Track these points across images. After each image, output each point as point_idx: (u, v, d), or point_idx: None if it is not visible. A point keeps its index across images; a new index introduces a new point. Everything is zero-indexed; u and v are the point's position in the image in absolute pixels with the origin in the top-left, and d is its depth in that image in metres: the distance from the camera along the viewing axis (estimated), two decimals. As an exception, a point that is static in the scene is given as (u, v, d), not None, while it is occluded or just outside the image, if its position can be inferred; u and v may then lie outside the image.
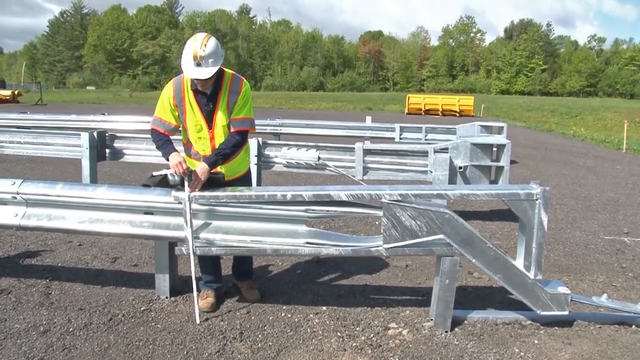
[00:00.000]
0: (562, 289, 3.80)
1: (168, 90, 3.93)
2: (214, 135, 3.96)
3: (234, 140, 3.92)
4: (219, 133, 3.95)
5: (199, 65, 3.66)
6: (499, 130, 10.80)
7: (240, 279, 4.45)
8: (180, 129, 4.07)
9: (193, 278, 3.95)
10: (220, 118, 3.93)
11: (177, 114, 3.94)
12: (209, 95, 3.88)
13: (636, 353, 3.56)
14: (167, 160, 3.83)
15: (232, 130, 3.95)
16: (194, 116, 3.92)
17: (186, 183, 3.81)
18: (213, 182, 3.90)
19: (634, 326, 3.95)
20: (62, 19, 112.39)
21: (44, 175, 10.23)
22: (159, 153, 4.00)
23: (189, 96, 3.89)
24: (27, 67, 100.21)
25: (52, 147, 8.15)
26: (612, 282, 5.02)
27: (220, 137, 3.95)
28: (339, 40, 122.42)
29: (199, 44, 3.69)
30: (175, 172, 3.78)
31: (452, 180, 6.58)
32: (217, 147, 3.93)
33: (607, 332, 3.87)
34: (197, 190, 3.81)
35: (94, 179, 7.64)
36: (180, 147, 4.09)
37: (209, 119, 3.93)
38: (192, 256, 3.89)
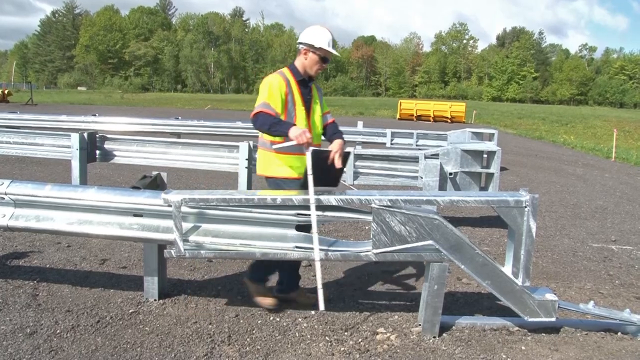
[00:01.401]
0: (550, 296, 3.83)
1: (277, 80, 3.95)
2: (310, 125, 4.05)
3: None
4: (315, 123, 4.10)
5: (333, 46, 4.03)
6: (490, 137, 10.88)
7: (294, 289, 4.41)
8: None
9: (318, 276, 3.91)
10: (316, 109, 4.15)
11: (284, 104, 3.94)
12: (308, 87, 4.10)
13: (621, 359, 3.59)
14: (288, 135, 3.72)
15: (330, 120, 4.27)
16: (298, 105, 4.00)
17: (310, 178, 3.71)
18: (345, 158, 3.93)
19: (620, 333, 3.98)
20: (53, 18, 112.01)
21: (33, 176, 10.17)
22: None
23: (295, 87, 4.00)
24: (18, 66, 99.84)
25: (41, 148, 8.12)
26: (599, 290, 5.06)
27: (316, 127, 4.10)
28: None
29: (329, 30, 4.03)
30: (300, 143, 3.67)
31: (442, 187, 6.61)
32: (315, 134, 4.05)
33: (594, 338, 3.90)
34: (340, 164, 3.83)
35: (84, 181, 7.61)
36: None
37: (308, 110, 4.06)
38: (317, 259, 3.83)
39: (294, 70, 4.07)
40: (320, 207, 3.80)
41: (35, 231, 4.51)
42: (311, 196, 3.70)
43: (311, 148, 3.73)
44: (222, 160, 7.62)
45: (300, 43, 4.04)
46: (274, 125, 3.80)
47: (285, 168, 4.00)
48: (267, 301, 4.18)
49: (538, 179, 12.27)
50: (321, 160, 3.77)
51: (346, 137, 13.19)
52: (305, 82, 4.07)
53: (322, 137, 4.22)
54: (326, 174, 3.82)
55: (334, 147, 3.88)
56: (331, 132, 4.18)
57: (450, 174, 6.74)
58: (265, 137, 4.04)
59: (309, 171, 3.71)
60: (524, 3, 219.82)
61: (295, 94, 4.00)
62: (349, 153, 4.10)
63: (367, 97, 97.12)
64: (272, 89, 3.90)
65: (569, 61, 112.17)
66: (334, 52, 4.02)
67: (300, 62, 4.06)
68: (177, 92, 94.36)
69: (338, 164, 3.81)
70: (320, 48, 3.95)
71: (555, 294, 3.94)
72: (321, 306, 3.78)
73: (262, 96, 3.92)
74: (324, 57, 4.00)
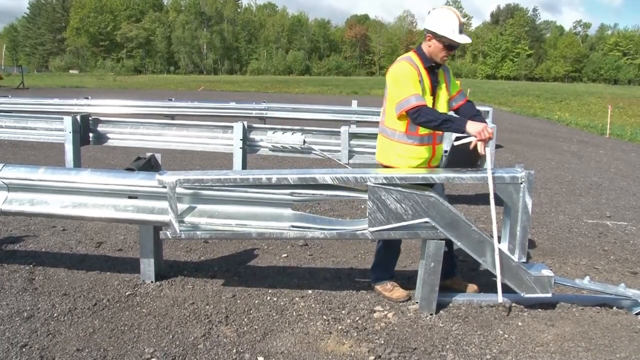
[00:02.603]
0: (546, 272, 3.84)
1: (409, 68, 3.77)
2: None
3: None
4: (440, 110, 3.90)
5: (461, 32, 3.72)
6: (485, 115, 10.84)
7: (449, 276, 4.28)
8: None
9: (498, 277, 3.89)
10: (442, 95, 3.93)
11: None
12: (435, 73, 3.88)
13: (616, 334, 3.62)
14: (464, 130, 3.63)
15: (464, 100, 4.04)
16: (427, 92, 3.82)
17: (488, 156, 3.65)
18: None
19: (615, 308, 4.01)
20: (43, 0, 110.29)
21: (27, 159, 10.11)
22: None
23: (424, 75, 3.81)
24: (8, 50, 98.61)
25: (34, 132, 8.06)
26: (595, 265, 5.09)
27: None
28: (325, 24, 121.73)
29: (458, 12, 3.74)
30: (482, 139, 3.59)
31: (437, 164, 6.58)
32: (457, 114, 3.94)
33: (589, 313, 3.92)
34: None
35: (78, 164, 7.57)
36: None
37: (434, 97, 3.89)
38: (497, 250, 3.77)
39: (422, 56, 3.84)
40: (316, 185, 3.78)
41: (29, 215, 4.49)
42: (491, 192, 3.67)
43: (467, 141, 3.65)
44: (216, 141, 7.59)
45: (425, 28, 3.81)
46: (445, 122, 3.64)
47: (407, 159, 3.87)
48: (397, 294, 4.05)
49: (533, 156, 12.28)
50: (465, 148, 3.71)
51: (341, 116, 13.09)
52: (432, 68, 3.85)
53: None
54: (468, 159, 3.79)
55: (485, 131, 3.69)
56: (470, 114, 3.92)
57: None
58: (387, 125, 3.91)
59: (488, 166, 3.68)
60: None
61: (425, 82, 3.80)
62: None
63: (361, 77, 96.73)
64: (413, 78, 3.72)
65: (563, 38, 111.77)
66: (460, 40, 3.71)
67: (426, 48, 3.83)
68: (170, 74, 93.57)
69: (481, 151, 3.66)
70: (443, 36, 3.70)
71: (551, 270, 3.95)
72: (499, 298, 3.77)
73: (408, 88, 3.71)
74: (449, 45, 3.73)
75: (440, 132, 3.90)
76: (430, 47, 3.79)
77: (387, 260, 4.16)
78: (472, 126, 3.61)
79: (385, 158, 3.99)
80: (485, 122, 3.75)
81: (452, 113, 4.02)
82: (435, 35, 3.72)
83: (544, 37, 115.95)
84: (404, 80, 3.74)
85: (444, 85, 3.95)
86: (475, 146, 3.65)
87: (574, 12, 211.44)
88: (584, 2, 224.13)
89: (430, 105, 3.81)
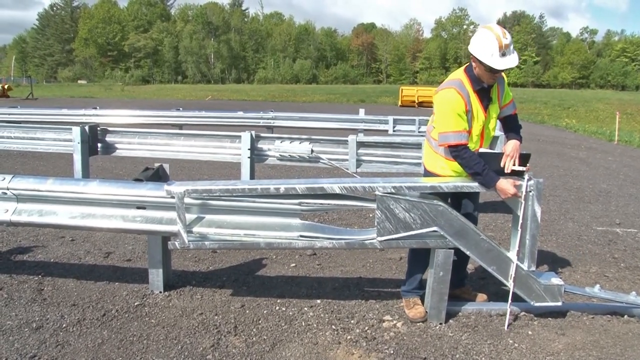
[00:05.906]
0: (556, 280, 3.82)
1: (456, 98, 3.64)
2: (483, 134, 3.86)
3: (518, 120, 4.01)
4: (488, 131, 3.88)
5: (504, 55, 3.52)
6: (494, 141, 10.82)
7: (458, 286, 4.25)
8: None
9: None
10: (493, 110, 3.85)
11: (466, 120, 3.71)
12: (487, 91, 3.78)
13: (628, 342, 3.58)
14: (494, 187, 3.65)
15: (513, 112, 3.98)
16: (477, 117, 3.76)
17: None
18: (525, 158, 3.76)
19: (626, 316, 3.98)
20: (52, 11, 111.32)
21: (35, 170, 10.16)
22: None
23: (474, 99, 3.71)
24: (17, 61, 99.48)
25: (43, 142, 8.10)
26: (605, 273, 5.05)
27: (489, 133, 3.89)
28: (331, 33, 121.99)
29: (500, 33, 3.52)
30: (517, 196, 3.65)
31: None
32: (487, 139, 3.92)
33: (600, 322, 3.89)
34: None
35: (86, 174, 7.60)
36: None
37: (487, 115, 3.81)
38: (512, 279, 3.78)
39: (472, 78, 3.71)
40: (324, 195, 3.78)
41: (38, 226, 4.50)
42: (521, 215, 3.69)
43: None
44: (224, 150, 7.59)
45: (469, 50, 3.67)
46: (476, 174, 3.64)
47: (449, 170, 3.88)
48: (413, 313, 3.91)
49: (541, 163, 12.23)
50: (492, 163, 3.70)
51: (348, 125, 13.07)
52: (484, 89, 3.74)
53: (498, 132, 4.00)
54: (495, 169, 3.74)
55: (507, 149, 3.72)
56: (509, 128, 3.96)
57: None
58: (432, 136, 3.93)
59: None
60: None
61: (474, 107, 3.70)
62: (528, 155, 3.77)
63: (368, 85, 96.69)
64: (457, 112, 3.63)
65: (570, 44, 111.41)
66: (497, 67, 3.50)
67: (474, 69, 3.71)
68: (177, 84, 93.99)
69: (507, 169, 3.66)
70: (482, 61, 3.55)
71: (560, 278, 3.93)
72: (505, 326, 3.76)
73: (449, 122, 3.66)
74: (489, 69, 3.56)
75: (478, 148, 3.86)
76: (476, 69, 3.68)
77: (412, 272, 4.07)
78: (505, 185, 3.62)
79: (430, 165, 4.02)
80: (517, 138, 3.81)
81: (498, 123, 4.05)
82: (476, 59, 3.61)
83: (551, 44, 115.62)
84: (447, 113, 3.67)
85: (496, 100, 3.86)
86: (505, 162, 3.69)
87: (580, 19, 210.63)
88: (590, 9, 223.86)
89: (479, 128, 3.78)
